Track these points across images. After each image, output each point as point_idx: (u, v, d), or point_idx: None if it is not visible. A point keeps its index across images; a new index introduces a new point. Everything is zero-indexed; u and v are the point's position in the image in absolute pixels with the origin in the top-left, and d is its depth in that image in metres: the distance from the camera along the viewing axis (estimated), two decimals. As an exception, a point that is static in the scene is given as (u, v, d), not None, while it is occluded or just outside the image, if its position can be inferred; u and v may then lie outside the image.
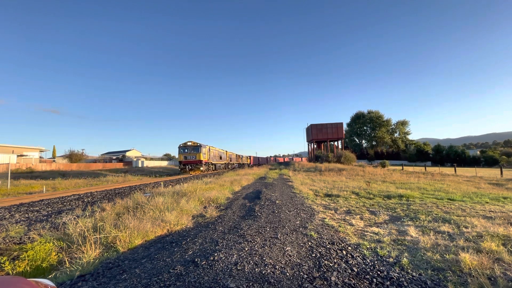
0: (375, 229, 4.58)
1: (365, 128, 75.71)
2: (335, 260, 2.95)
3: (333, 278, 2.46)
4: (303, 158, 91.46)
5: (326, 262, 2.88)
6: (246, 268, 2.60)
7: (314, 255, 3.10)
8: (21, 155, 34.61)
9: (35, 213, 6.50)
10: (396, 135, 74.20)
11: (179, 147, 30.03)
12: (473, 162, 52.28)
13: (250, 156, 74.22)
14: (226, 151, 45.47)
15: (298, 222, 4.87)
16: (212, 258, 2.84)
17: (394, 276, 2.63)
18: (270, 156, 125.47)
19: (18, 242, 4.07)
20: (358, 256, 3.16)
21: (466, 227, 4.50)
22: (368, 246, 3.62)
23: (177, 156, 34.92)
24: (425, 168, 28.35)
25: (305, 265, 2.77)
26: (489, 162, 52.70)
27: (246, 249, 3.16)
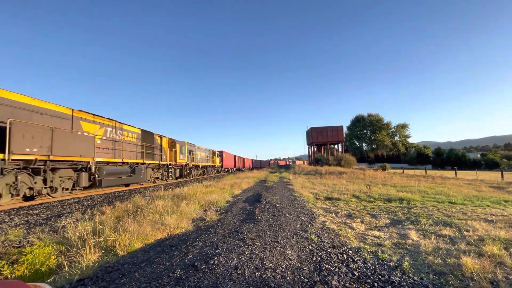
0: (376, 233, 4.55)
1: (365, 131, 75.94)
2: (336, 264, 2.93)
3: (334, 282, 2.44)
4: (303, 161, 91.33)
5: (327, 266, 2.86)
6: (246, 272, 2.58)
7: (314, 259, 3.08)
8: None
9: (35, 216, 6.47)
10: (396, 138, 74.38)
11: None
12: (473, 165, 52.19)
13: (221, 152, 37.91)
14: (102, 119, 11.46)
15: (298, 225, 4.85)
16: (212, 262, 2.82)
17: (396, 280, 2.61)
18: (271, 159, 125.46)
19: (17, 245, 4.04)
20: (359, 260, 3.14)
21: (468, 231, 4.48)
22: (369, 250, 3.59)
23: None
24: (426, 171, 28.30)
25: (305, 269, 2.75)
26: (490, 165, 52.64)
27: (247, 253, 3.14)
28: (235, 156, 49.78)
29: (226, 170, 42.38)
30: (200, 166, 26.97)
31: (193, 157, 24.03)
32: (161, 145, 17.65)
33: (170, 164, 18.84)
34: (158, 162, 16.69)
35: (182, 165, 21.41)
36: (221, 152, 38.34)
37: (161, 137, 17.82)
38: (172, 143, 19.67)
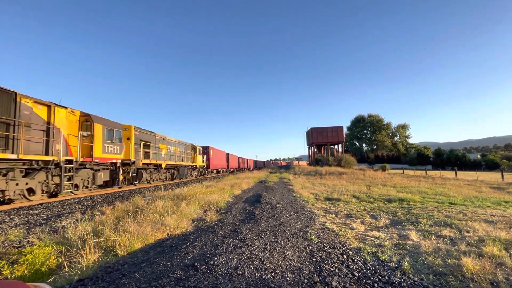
0: (376, 233, 4.55)
1: (365, 131, 75.95)
2: (336, 265, 2.93)
3: (334, 283, 2.44)
4: (303, 162, 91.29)
5: (327, 266, 2.85)
6: (246, 272, 2.58)
7: (314, 259, 3.08)
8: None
9: (35, 216, 6.47)
10: (396, 138, 74.41)
11: None
12: (473, 165, 52.21)
13: (207, 148, 29.79)
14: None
15: (298, 226, 4.85)
16: (212, 262, 2.82)
17: (396, 281, 2.61)
18: (271, 160, 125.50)
19: (17, 245, 4.05)
20: (359, 261, 3.14)
21: (468, 232, 4.48)
22: (369, 251, 3.59)
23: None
24: (426, 172, 28.29)
25: (305, 270, 2.74)
26: (490, 165, 52.68)
27: (246, 253, 3.14)
28: (228, 154, 40.61)
29: (215, 171, 33.31)
30: (164, 166, 17.38)
31: (151, 152, 15.67)
32: (48, 123, 8.64)
33: (74, 161, 9.58)
34: (19, 157, 7.37)
35: (114, 163, 12.22)
36: (206, 148, 29.39)
37: (49, 106, 8.69)
38: (86, 122, 10.49)
